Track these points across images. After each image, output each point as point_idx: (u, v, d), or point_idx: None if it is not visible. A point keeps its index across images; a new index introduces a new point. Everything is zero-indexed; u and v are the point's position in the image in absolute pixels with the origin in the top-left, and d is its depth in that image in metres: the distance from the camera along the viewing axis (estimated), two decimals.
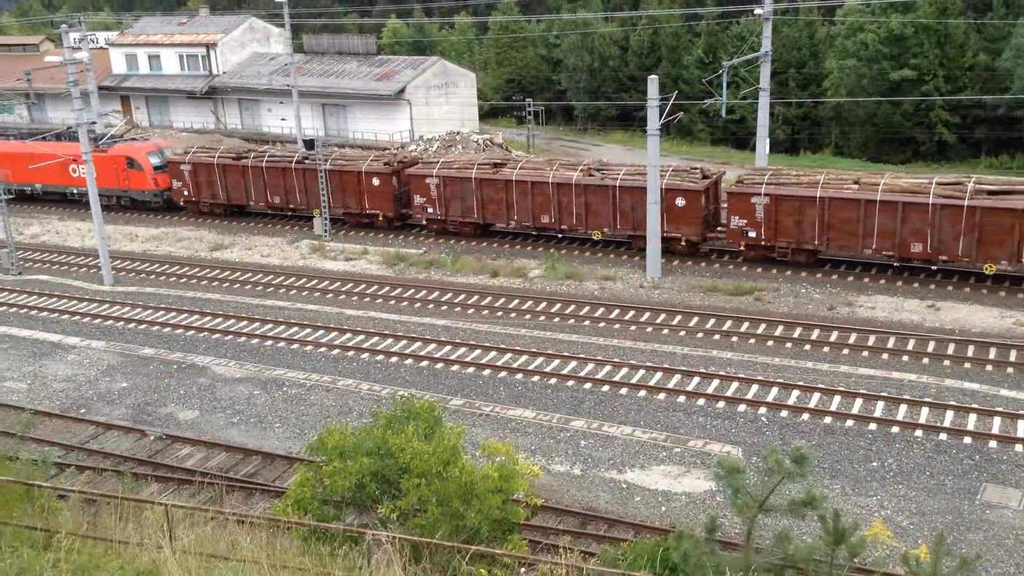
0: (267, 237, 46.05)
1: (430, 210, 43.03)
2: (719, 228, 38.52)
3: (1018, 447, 23.15)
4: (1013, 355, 28.19)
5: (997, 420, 24.40)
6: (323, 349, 32.00)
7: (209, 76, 73.09)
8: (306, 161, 45.86)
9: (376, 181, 44.29)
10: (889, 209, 33.66)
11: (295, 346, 32.40)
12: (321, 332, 33.40)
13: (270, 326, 34.21)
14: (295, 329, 33.82)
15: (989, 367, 27.69)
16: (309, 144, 45.65)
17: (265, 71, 71.29)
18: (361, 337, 32.75)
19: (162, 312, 36.15)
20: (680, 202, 37.53)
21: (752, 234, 36.37)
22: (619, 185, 38.71)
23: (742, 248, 37.12)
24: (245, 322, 34.74)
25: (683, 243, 38.24)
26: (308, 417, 26.85)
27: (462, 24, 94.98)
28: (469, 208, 42.19)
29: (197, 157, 48.82)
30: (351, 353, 31.49)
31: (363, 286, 38.20)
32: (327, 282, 38.96)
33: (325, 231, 44.74)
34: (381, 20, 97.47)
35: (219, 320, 35.12)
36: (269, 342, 32.84)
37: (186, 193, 49.35)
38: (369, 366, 30.45)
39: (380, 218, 44.93)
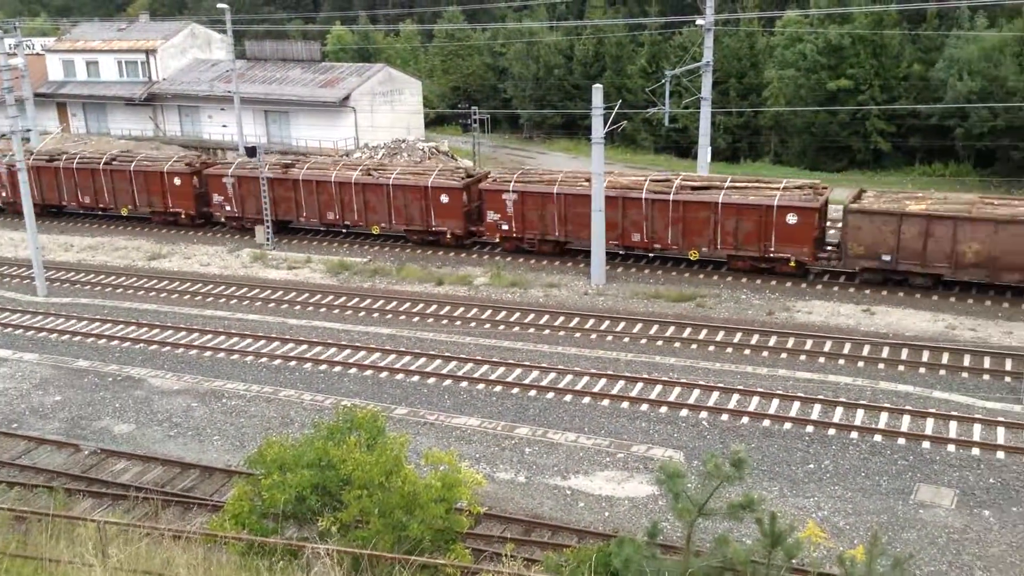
0: (207, 246, 45.33)
1: (227, 208, 45.87)
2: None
3: (950, 447, 23.73)
4: (945, 357, 28.91)
5: (930, 421, 24.99)
6: (264, 359, 31.58)
7: (149, 83, 71.85)
8: (113, 163, 48.38)
9: (177, 181, 46.77)
10: (612, 203, 37.32)
11: (235, 357, 31.93)
12: (263, 342, 32.96)
13: (209, 337, 33.66)
14: (235, 339, 33.32)
15: (922, 369, 28.36)
16: (251, 151, 45.09)
17: (206, 77, 70.25)
18: (304, 347, 32.40)
19: (97, 323, 35.36)
20: (444, 199, 40.87)
21: (505, 227, 40.02)
22: (392, 183, 41.61)
23: (498, 240, 40.93)
24: (183, 333, 34.13)
25: (449, 236, 41.50)
26: (248, 429, 26.46)
27: (407, 32, 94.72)
28: (260, 207, 44.37)
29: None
30: (293, 363, 31.13)
31: (306, 295, 37.81)
32: (269, 291, 38.49)
33: (267, 240, 44.22)
34: (325, 27, 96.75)
35: (156, 331, 34.47)
36: (208, 353, 32.30)
37: (3, 194, 50.85)
38: (312, 376, 30.12)
39: (183, 215, 47.49)
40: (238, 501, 15.62)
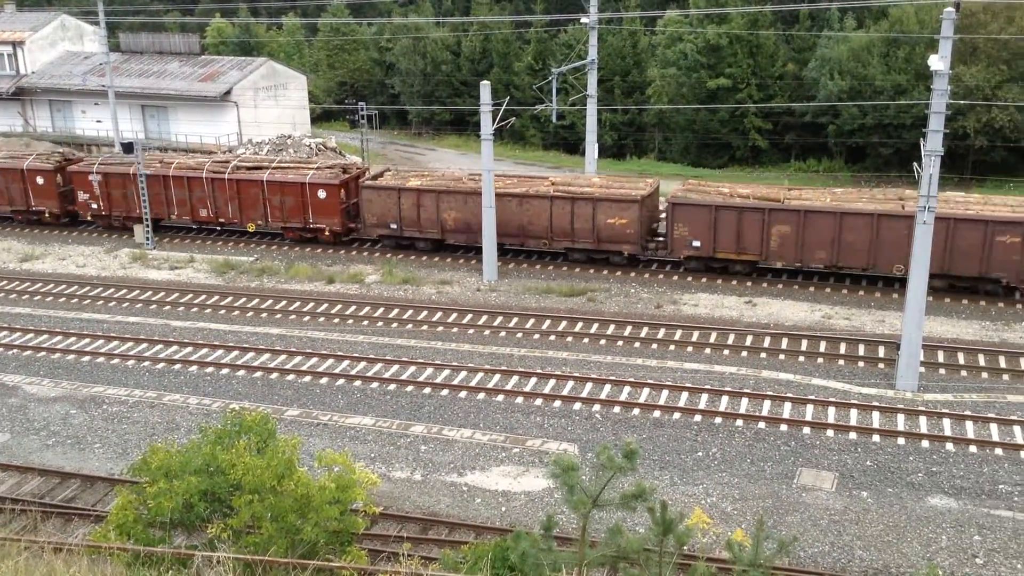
0: (82, 246, 43.46)
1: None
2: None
3: (829, 432, 24.81)
4: (823, 346, 30.21)
5: (810, 408, 26.08)
6: (147, 363, 30.50)
7: (16, 76, 68.25)
8: None
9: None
10: (179, 183, 42.30)
11: (116, 361, 30.74)
12: (145, 345, 31.83)
13: (88, 341, 32.30)
14: (116, 343, 32.08)
15: (801, 358, 29.55)
16: (127, 147, 43.42)
17: (79, 71, 67.21)
18: (189, 349, 31.43)
19: None
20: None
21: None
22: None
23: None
24: (60, 337, 32.64)
25: (328, 233, 41.67)
26: (131, 436, 25.52)
27: (290, 25, 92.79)
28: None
29: None
30: (178, 366, 30.17)
31: (190, 296, 36.69)
32: (150, 293, 37.18)
33: (147, 239, 42.68)
34: (204, 19, 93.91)
35: (30, 336, 32.85)
36: (87, 358, 31.00)
37: None
38: (198, 379, 29.26)
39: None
40: (122, 510, 15.08)
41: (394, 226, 40.06)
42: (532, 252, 39.92)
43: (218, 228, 44.48)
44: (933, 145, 25.36)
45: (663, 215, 38.11)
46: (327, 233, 41.54)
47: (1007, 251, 32.52)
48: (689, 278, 36.77)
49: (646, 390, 27.40)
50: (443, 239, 40.08)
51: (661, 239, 37.65)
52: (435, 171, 44.73)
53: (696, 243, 35.89)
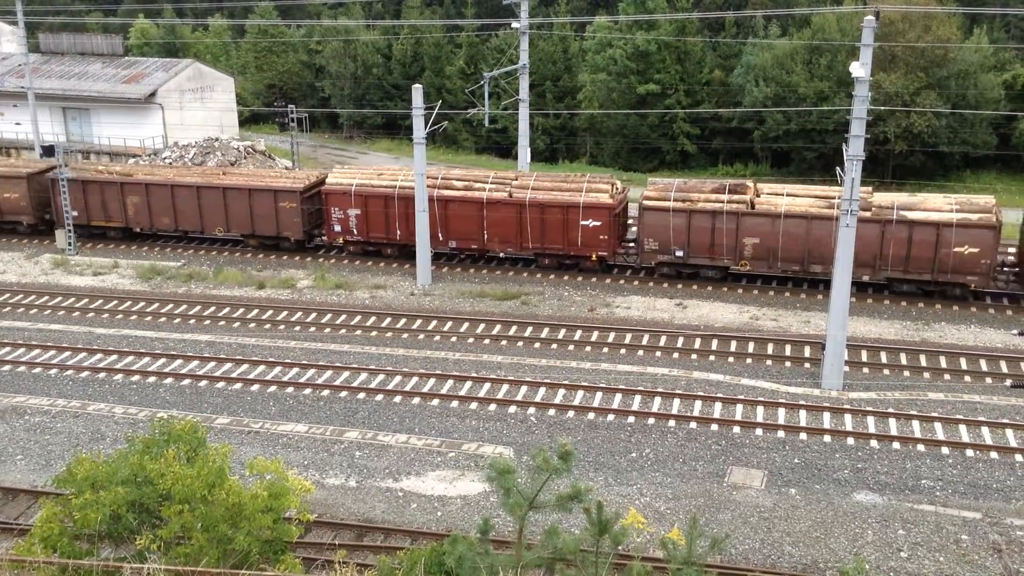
0: (2, 252, 42.05)
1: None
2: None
3: (759, 431, 25.32)
4: (751, 347, 30.82)
5: (739, 407, 26.58)
6: (70, 372, 29.66)
7: None
8: None
9: None
10: None
11: (37, 370, 29.82)
12: (68, 353, 30.94)
13: (7, 349, 31.27)
14: (37, 351, 31.11)
15: (731, 359, 30.11)
16: (48, 150, 42.21)
17: None
18: (114, 357, 30.65)
19: None
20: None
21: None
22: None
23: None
24: None
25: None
26: (55, 446, 24.77)
27: (217, 27, 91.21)
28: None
29: None
30: (103, 375, 29.40)
31: (115, 302, 35.78)
32: (73, 299, 36.15)
33: (69, 245, 41.50)
34: (127, 20, 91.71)
35: None
36: (7, 367, 30.01)
37: None
38: (124, 388, 28.55)
39: None
40: (47, 523, 14.64)
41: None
42: (467, 256, 39.89)
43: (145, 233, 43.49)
44: (855, 150, 26.09)
45: None
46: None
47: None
48: (622, 281, 37.16)
49: (580, 392, 27.60)
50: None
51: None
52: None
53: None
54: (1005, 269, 36.03)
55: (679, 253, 35.88)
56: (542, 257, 38.17)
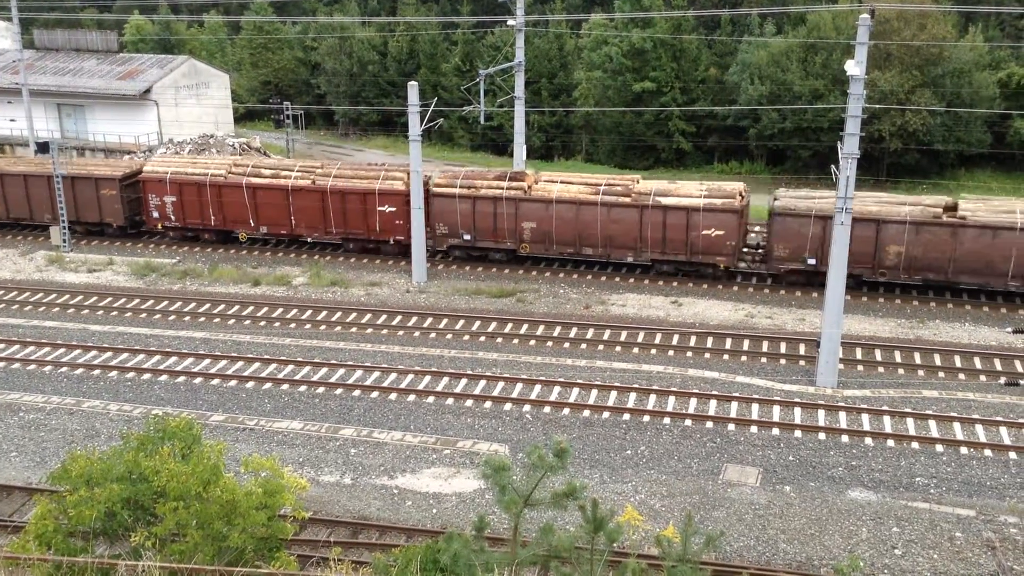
0: None
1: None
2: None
3: (753, 429, 25.37)
4: (746, 344, 30.86)
5: (734, 405, 26.62)
6: (65, 369, 29.61)
7: None
8: None
9: None
10: None
11: (32, 367, 29.77)
12: (62, 351, 30.88)
13: (2, 346, 31.25)
14: (31, 348, 31.06)
15: (726, 356, 30.15)
16: (43, 147, 42.07)
17: None
18: (109, 354, 30.60)
19: None
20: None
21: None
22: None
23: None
24: None
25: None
26: (49, 443, 24.74)
27: (212, 23, 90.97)
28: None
29: None
30: (97, 372, 29.36)
31: (109, 299, 35.72)
32: (68, 296, 36.09)
33: (64, 241, 41.42)
34: (122, 16, 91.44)
35: None
36: (2, 364, 29.98)
37: None
38: (119, 385, 28.51)
39: None
40: (42, 520, 14.62)
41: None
42: (462, 253, 39.86)
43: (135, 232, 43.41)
44: (850, 148, 26.13)
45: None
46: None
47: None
48: (617, 278, 37.19)
49: (576, 390, 27.62)
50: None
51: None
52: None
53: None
54: (746, 249, 37.82)
55: (467, 237, 38.15)
56: (348, 242, 40.18)
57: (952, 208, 34.00)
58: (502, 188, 37.56)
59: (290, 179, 39.63)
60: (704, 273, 36.29)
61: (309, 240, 41.32)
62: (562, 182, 37.95)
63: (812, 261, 34.44)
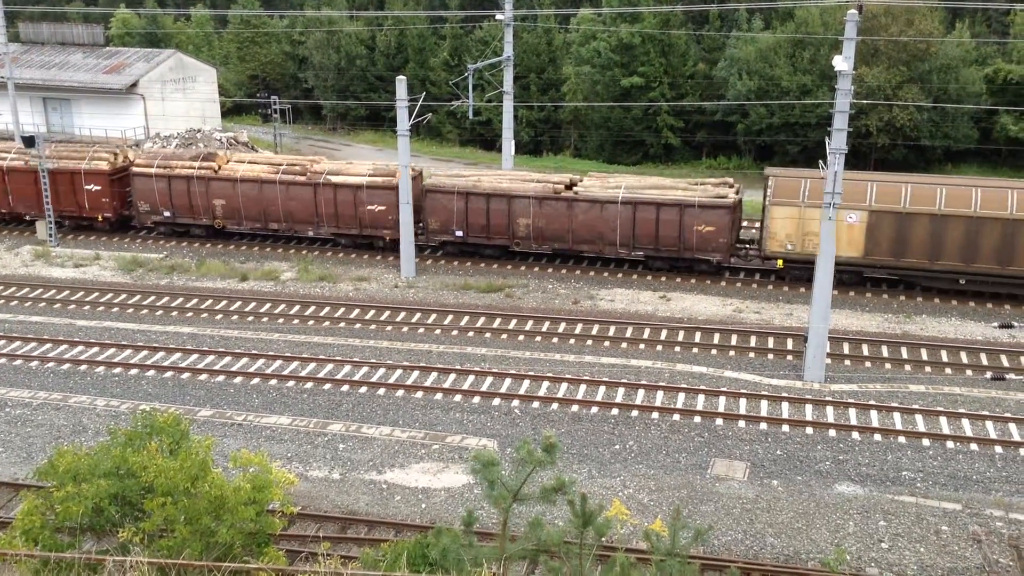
0: None
1: None
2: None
3: (741, 423, 25.46)
4: (734, 339, 30.95)
5: (722, 399, 26.71)
6: (51, 364, 29.46)
7: None
8: None
9: None
10: None
11: (18, 362, 29.61)
12: (49, 346, 30.73)
13: None
14: (17, 343, 30.89)
15: (714, 351, 30.23)
16: (29, 141, 41.79)
17: None
18: (96, 349, 30.46)
19: None
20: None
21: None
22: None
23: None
24: None
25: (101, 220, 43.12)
26: (36, 439, 24.62)
27: (199, 17, 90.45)
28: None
29: None
30: (84, 367, 29.22)
31: (96, 294, 35.55)
32: (54, 291, 35.90)
33: (50, 236, 41.19)
34: (108, 9, 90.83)
35: None
36: None
37: None
38: (105, 380, 28.39)
39: None
40: (28, 516, 14.55)
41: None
42: (451, 248, 39.85)
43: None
44: (837, 143, 26.22)
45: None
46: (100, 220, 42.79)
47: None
48: (605, 273, 37.23)
49: (564, 384, 27.66)
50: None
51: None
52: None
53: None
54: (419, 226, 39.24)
55: (167, 214, 40.72)
56: (63, 218, 42.13)
57: (574, 185, 37.24)
58: (194, 168, 40.01)
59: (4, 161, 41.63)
60: (376, 246, 39.54)
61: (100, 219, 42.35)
62: (249, 162, 40.85)
63: (459, 233, 37.71)
